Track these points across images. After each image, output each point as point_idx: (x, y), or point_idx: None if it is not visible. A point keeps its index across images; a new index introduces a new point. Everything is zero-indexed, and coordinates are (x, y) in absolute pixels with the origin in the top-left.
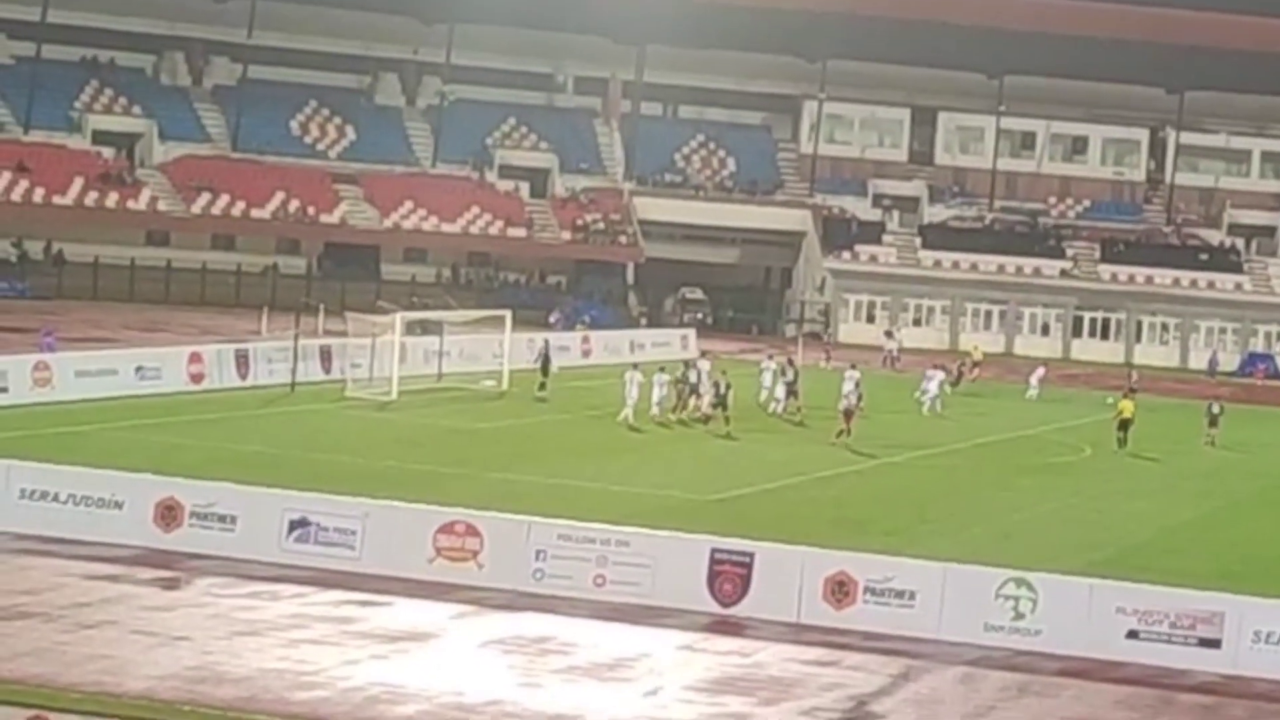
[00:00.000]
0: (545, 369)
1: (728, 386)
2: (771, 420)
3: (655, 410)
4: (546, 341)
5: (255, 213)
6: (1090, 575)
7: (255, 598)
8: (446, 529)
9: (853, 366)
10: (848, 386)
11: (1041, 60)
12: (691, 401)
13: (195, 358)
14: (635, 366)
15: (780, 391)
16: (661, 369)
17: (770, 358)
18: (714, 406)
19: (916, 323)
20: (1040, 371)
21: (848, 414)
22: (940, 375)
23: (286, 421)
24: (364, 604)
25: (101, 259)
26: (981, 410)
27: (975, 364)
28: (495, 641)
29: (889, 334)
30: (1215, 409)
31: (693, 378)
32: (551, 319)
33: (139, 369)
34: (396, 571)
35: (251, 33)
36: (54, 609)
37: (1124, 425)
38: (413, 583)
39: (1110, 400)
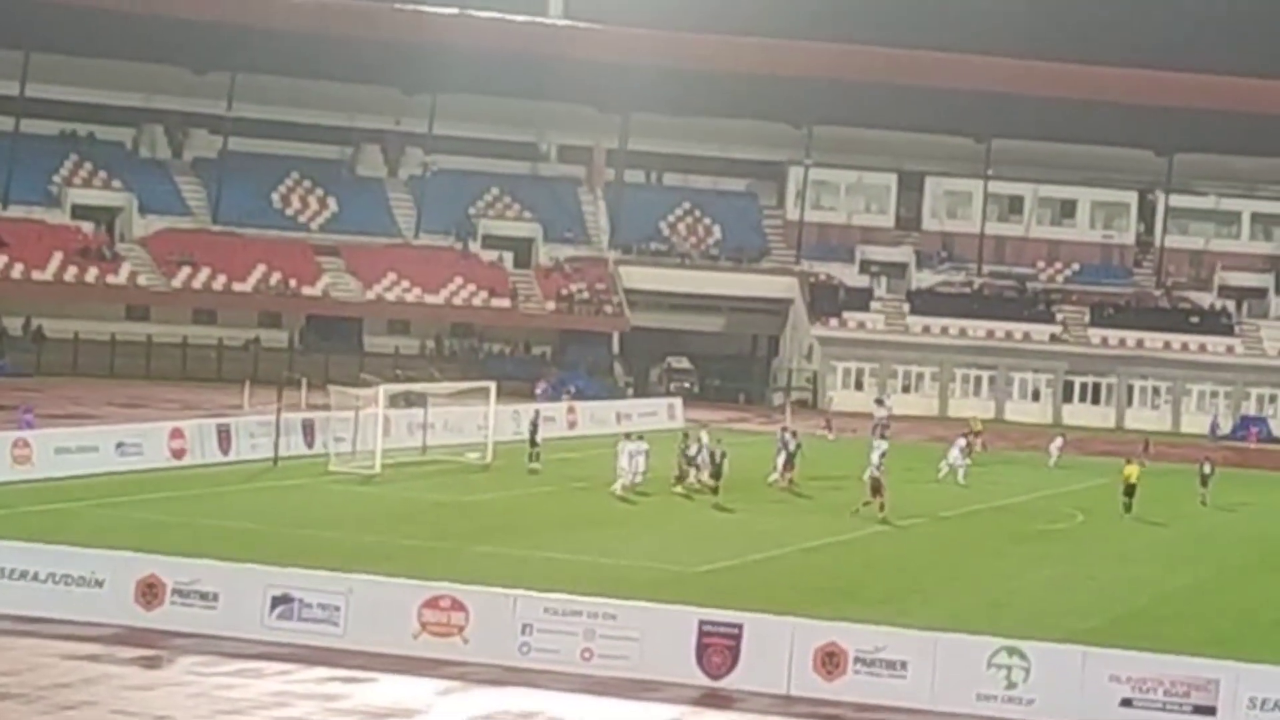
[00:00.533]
0: (534, 440)
1: (723, 455)
2: (765, 490)
3: (635, 479)
4: (537, 412)
5: (236, 286)
6: (1083, 643)
7: (238, 676)
8: (431, 603)
9: (882, 436)
10: (874, 457)
11: (1029, 124)
12: (692, 473)
13: (177, 433)
14: (628, 436)
15: (780, 460)
16: (639, 437)
17: (784, 430)
18: (713, 476)
19: (905, 389)
20: (1059, 441)
21: (875, 485)
22: (963, 443)
23: (269, 497)
24: (348, 681)
25: (81, 334)
26: (972, 478)
27: (976, 434)
28: (482, 717)
29: (879, 402)
30: (1206, 469)
31: (692, 450)
32: (538, 390)
33: (120, 445)
34: (381, 647)
35: (231, 105)
36: (34, 690)
37: (1129, 490)
38: (398, 659)
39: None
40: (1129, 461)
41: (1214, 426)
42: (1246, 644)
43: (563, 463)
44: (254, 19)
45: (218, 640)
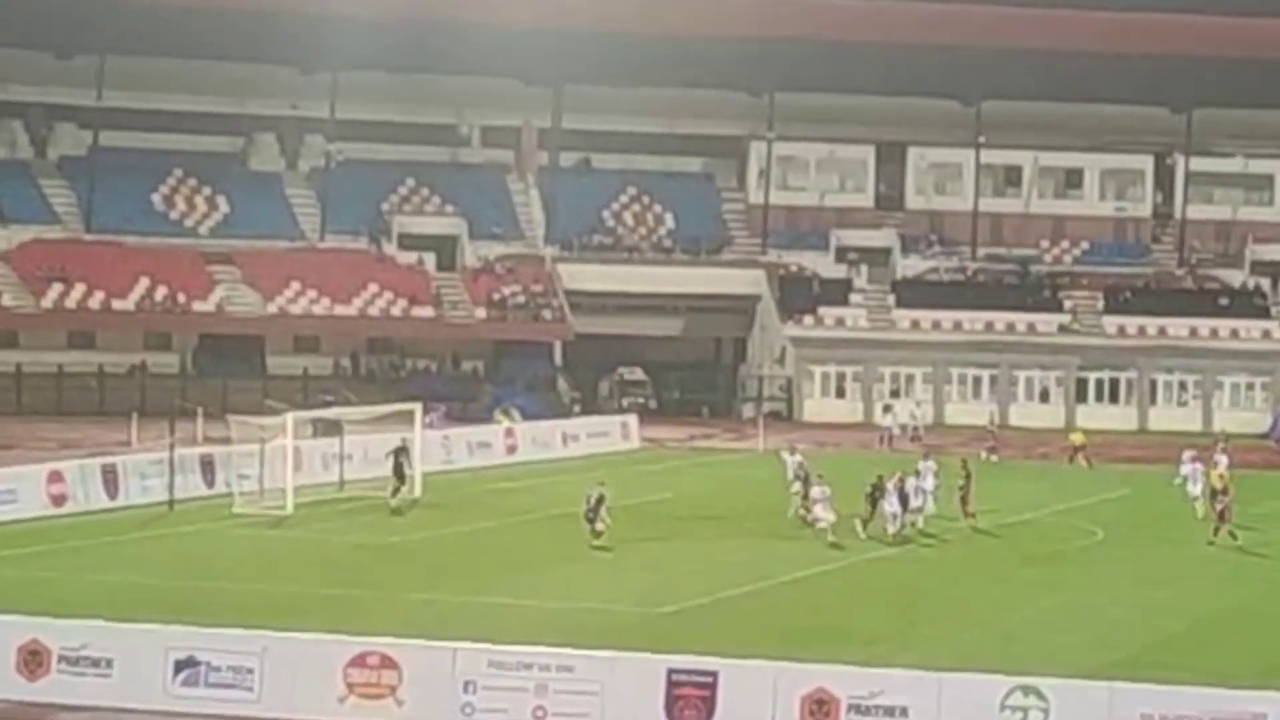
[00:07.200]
0: (400, 473)
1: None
2: (740, 517)
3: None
4: (403, 440)
5: (117, 304)
6: (1109, 678)
7: None
8: (358, 661)
9: (1223, 449)
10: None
11: (1024, 82)
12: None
13: (55, 476)
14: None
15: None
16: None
17: (927, 457)
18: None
19: (894, 393)
20: (1191, 453)
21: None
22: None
23: (166, 546)
24: None
25: None
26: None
27: (1078, 448)
28: None
29: (888, 408)
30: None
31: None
32: (427, 419)
33: None
34: (303, 714)
35: (101, 93)
36: None
37: (1215, 496)
38: None
39: (1178, 480)
40: (1214, 465)
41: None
42: None
43: (503, 494)
44: None
45: (114, 713)
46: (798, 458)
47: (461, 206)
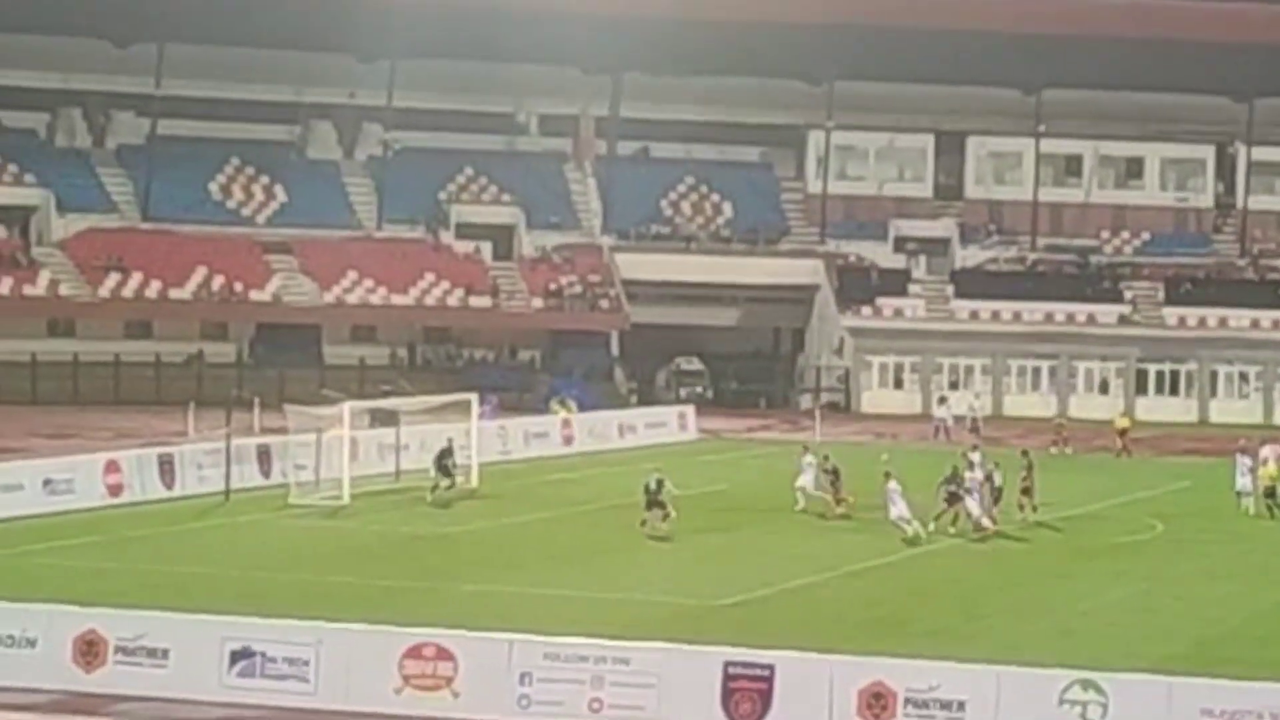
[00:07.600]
0: (446, 469)
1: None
2: (790, 511)
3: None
4: (449, 441)
5: (174, 293)
6: (1169, 672)
7: None
8: (414, 653)
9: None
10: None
11: (1085, 71)
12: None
13: (112, 466)
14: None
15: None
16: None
17: (975, 449)
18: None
19: (953, 385)
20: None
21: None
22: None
23: (222, 536)
24: None
25: None
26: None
27: (1121, 432)
28: None
29: (942, 400)
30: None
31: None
32: (482, 410)
33: (47, 482)
34: (358, 705)
35: (160, 81)
36: None
37: (1271, 493)
38: (378, 717)
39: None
40: (1262, 462)
41: None
42: None
43: (559, 485)
44: None
45: (170, 704)
46: (810, 458)
47: (519, 195)
